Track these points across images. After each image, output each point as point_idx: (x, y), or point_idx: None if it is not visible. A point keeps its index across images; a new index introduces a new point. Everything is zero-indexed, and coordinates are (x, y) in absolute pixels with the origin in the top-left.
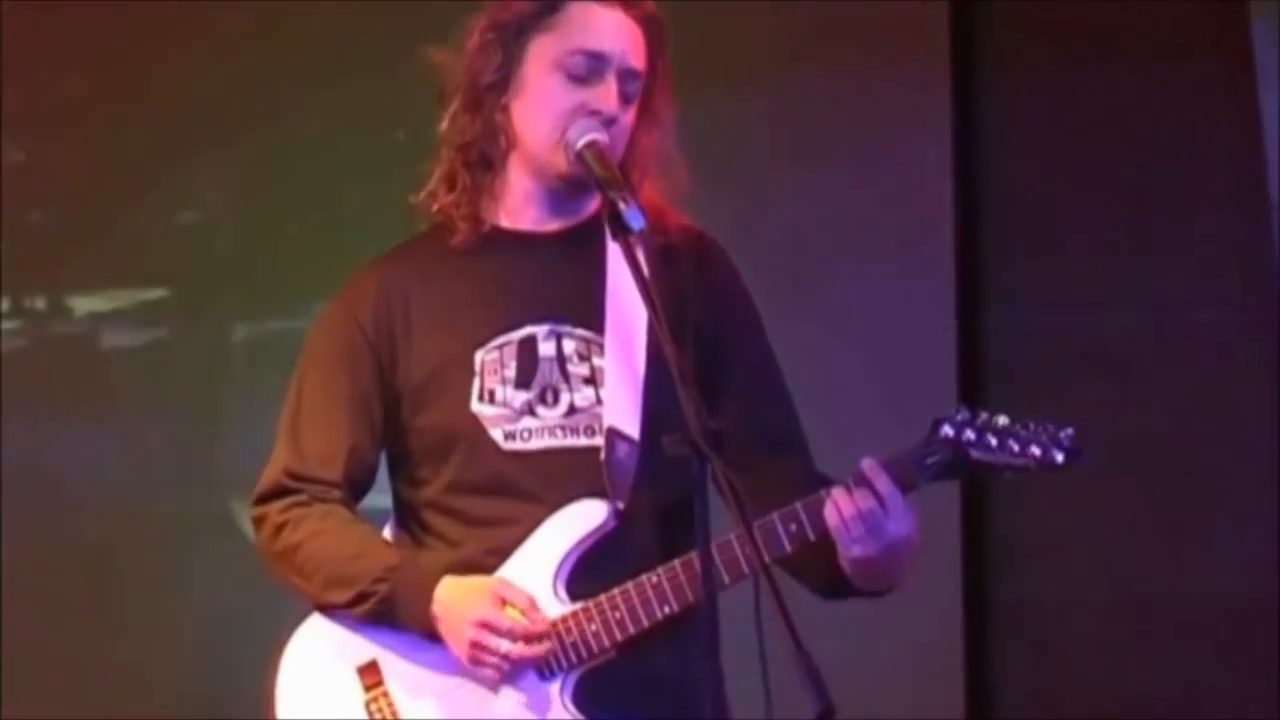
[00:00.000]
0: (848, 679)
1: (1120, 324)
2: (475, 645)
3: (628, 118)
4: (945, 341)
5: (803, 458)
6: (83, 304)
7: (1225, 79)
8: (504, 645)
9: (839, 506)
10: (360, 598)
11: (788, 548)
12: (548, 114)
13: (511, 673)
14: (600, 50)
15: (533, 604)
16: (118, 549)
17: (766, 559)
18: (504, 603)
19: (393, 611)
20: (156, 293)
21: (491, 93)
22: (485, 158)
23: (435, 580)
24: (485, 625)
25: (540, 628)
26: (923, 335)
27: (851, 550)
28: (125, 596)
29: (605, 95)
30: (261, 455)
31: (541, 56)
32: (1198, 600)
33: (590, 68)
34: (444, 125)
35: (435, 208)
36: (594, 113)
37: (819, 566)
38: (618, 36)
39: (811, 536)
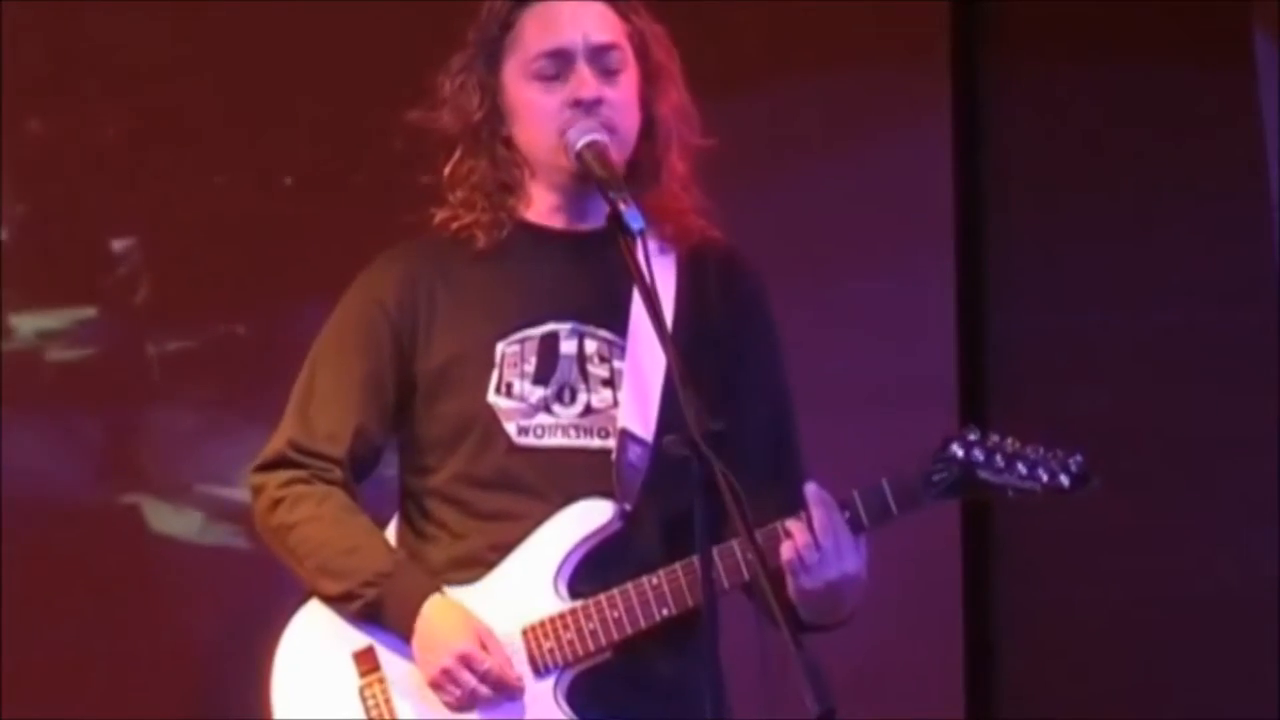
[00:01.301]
0: (848, 679)
1: (1120, 324)
2: (446, 673)
3: (619, 91)
4: (945, 342)
5: (790, 490)
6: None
7: (1225, 79)
8: (472, 683)
9: (794, 538)
10: (348, 596)
11: (746, 574)
12: (538, 122)
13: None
14: (559, 46)
15: (508, 661)
16: (63, 544)
17: (767, 563)
18: (483, 646)
19: (378, 617)
20: (88, 312)
21: (485, 128)
22: (505, 187)
23: (425, 594)
24: (465, 659)
25: (510, 683)
26: (923, 336)
27: (801, 581)
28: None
29: (580, 83)
30: (172, 454)
31: (514, 75)
32: (1198, 601)
33: (557, 65)
34: (449, 170)
35: (456, 225)
36: (577, 102)
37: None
38: (573, 23)
39: (768, 565)
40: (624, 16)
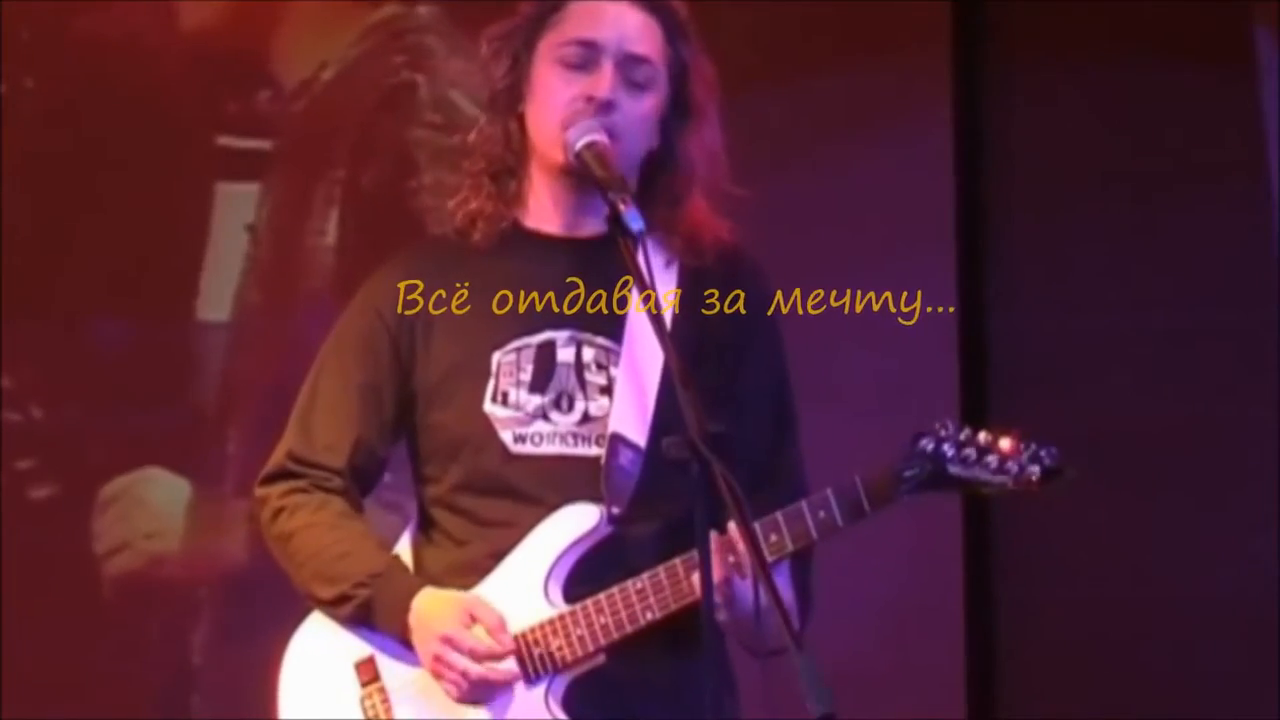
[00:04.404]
0: (848, 679)
1: (1121, 325)
2: (437, 659)
3: (640, 107)
4: (946, 343)
5: (789, 495)
6: None
7: (1225, 79)
8: (462, 662)
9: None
10: (342, 599)
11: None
12: (546, 108)
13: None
14: (592, 37)
15: (501, 624)
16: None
17: (767, 566)
18: (473, 620)
19: (370, 617)
20: None
21: (503, 99)
22: (509, 167)
23: (415, 591)
24: (448, 641)
25: (504, 649)
26: (923, 336)
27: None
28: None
29: (599, 81)
30: None
31: (543, 54)
32: (1198, 602)
33: (584, 55)
34: (472, 136)
35: (462, 213)
36: (589, 99)
37: None
38: (614, 24)
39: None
40: (670, 40)
